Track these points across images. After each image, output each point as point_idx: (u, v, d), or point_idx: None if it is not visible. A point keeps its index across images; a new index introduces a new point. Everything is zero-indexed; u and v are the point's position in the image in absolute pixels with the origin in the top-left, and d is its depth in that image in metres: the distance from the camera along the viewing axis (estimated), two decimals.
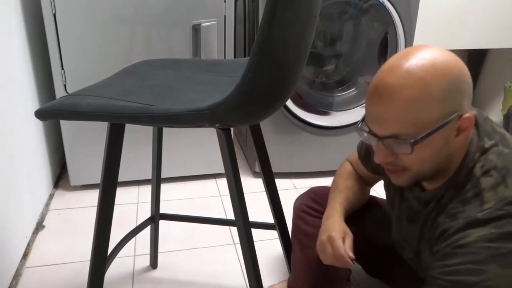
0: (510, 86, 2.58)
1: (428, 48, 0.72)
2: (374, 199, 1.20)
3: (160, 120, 0.71)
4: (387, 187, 1.01)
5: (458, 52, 2.87)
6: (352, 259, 0.90)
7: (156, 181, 1.28)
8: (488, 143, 0.76)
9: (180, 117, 0.70)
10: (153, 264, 1.43)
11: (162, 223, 1.67)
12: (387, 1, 1.80)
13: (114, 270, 1.42)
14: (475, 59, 2.94)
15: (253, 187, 1.97)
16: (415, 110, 0.69)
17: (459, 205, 0.74)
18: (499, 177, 0.72)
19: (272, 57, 0.66)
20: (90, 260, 0.90)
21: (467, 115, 0.71)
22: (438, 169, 0.78)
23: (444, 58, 0.70)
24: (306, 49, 0.78)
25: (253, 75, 0.66)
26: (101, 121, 0.75)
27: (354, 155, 1.14)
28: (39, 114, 0.79)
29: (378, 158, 0.76)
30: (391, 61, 0.72)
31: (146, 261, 1.47)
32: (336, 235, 0.93)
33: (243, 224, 0.83)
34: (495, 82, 2.86)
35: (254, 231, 1.40)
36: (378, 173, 1.06)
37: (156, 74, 1.00)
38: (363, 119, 0.79)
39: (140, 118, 0.72)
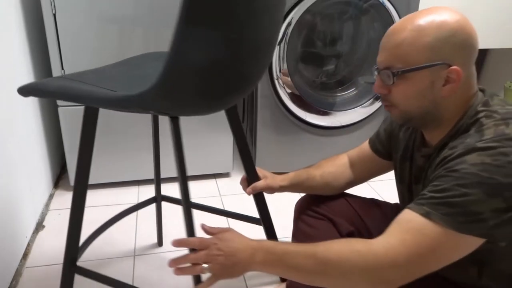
0: (510, 86, 2.58)
1: (444, 8, 0.81)
2: (374, 200, 1.20)
3: (97, 102, 0.82)
4: (398, 162, 1.03)
5: None
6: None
7: (156, 165, 1.39)
8: (494, 102, 0.83)
9: (112, 101, 0.78)
10: (159, 242, 1.54)
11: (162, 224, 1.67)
12: (387, 1, 1.80)
13: (114, 269, 1.42)
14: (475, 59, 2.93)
15: None
16: (406, 48, 0.80)
17: (461, 140, 0.80)
18: (500, 119, 0.77)
19: (192, 51, 0.69)
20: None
21: (454, 67, 0.78)
22: (426, 112, 0.84)
23: (447, 15, 0.79)
24: (251, 47, 0.80)
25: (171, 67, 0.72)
26: (61, 99, 0.87)
27: (357, 148, 1.17)
28: (20, 91, 0.89)
29: (375, 88, 0.87)
30: (413, 13, 0.83)
31: (146, 261, 1.46)
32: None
33: (185, 202, 0.92)
34: (495, 82, 2.86)
35: (249, 228, 1.40)
36: (385, 153, 1.08)
37: (146, 65, 1.08)
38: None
39: (84, 99, 0.83)
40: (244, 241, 0.86)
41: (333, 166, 1.16)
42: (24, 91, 0.89)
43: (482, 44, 2.58)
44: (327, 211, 1.12)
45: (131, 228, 1.64)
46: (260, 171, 1.19)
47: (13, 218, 1.38)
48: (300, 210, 1.17)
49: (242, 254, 0.83)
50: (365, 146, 1.15)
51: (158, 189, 1.45)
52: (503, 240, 0.75)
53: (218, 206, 1.80)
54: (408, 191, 0.99)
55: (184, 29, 0.66)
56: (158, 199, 1.45)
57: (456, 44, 0.79)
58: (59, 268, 1.43)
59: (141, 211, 1.75)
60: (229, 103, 0.87)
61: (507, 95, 2.59)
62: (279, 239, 1.20)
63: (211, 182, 2.00)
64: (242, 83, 0.83)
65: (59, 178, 1.99)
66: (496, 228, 0.72)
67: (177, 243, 0.88)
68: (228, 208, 1.77)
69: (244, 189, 1.18)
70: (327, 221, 1.10)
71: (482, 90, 0.87)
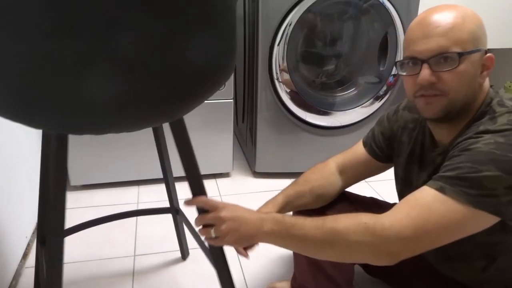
0: (510, 86, 2.58)
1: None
2: (374, 200, 1.20)
3: None
4: (401, 165, 1.03)
5: None
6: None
7: (167, 177, 1.31)
8: (499, 92, 0.86)
9: None
10: (183, 255, 1.48)
11: (159, 223, 1.67)
12: (387, 1, 1.80)
13: (114, 270, 1.42)
14: None
15: (253, 187, 1.97)
16: (459, 33, 0.79)
17: (475, 127, 0.82)
18: None
19: None
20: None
21: (489, 54, 0.82)
22: (468, 101, 0.84)
23: (469, 8, 0.82)
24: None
25: None
26: None
27: (344, 153, 1.15)
28: None
29: (423, 79, 0.82)
30: (428, 10, 0.83)
31: (146, 261, 1.47)
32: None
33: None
34: (495, 82, 2.86)
35: None
36: (384, 157, 1.08)
37: None
38: (400, 60, 0.88)
39: None
40: (251, 211, 0.87)
41: (321, 178, 1.12)
42: None
43: None
44: (328, 210, 1.12)
45: (131, 228, 1.64)
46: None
47: (13, 218, 1.38)
48: (300, 210, 1.17)
49: (250, 222, 0.84)
50: (360, 150, 1.12)
51: (171, 201, 1.37)
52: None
53: None
54: None
55: None
56: (173, 211, 1.37)
57: (485, 33, 0.83)
58: None
59: None
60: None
61: None
62: None
63: (211, 182, 2.00)
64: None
65: None
66: (508, 205, 0.73)
67: (189, 202, 0.89)
68: None
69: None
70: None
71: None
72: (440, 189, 0.75)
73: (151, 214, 1.45)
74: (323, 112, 1.95)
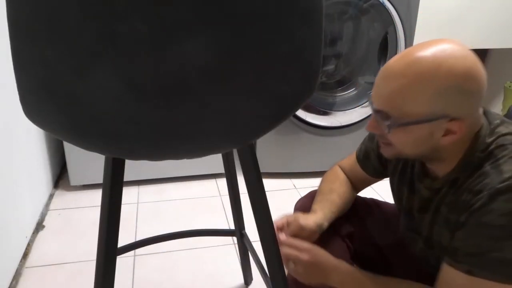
0: (510, 86, 2.58)
1: (450, 46, 0.72)
2: (374, 200, 1.20)
3: None
4: (394, 183, 1.01)
5: None
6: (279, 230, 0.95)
7: (236, 200, 1.24)
8: (495, 123, 0.78)
9: None
10: (246, 281, 1.39)
11: (159, 223, 1.67)
12: (387, 1, 1.80)
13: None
14: None
15: None
16: (404, 98, 0.72)
17: (480, 179, 0.75)
18: None
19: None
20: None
21: (457, 122, 0.72)
22: (425, 156, 0.81)
23: (454, 62, 0.70)
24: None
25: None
26: None
27: (348, 160, 1.14)
28: None
29: (368, 127, 0.82)
30: (411, 48, 0.75)
31: (146, 261, 1.47)
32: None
33: None
34: (495, 82, 2.86)
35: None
36: (378, 174, 1.06)
37: None
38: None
39: None
40: (328, 256, 0.89)
41: (342, 185, 1.10)
42: None
43: (482, 44, 2.58)
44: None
45: (131, 228, 1.64)
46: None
47: (13, 218, 1.38)
48: (300, 211, 1.17)
49: (324, 266, 0.87)
50: (355, 165, 1.10)
51: (237, 224, 1.28)
52: None
53: (218, 206, 1.80)
54: (408, 214, 0.96)
55: None
56: (238, 234, 1.29)
57: (462, 96, 0.71)
58: (59, 268, 1.43)
59: (141, 211, 1.75)
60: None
61: (507, 95, 2.59)
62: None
63: (211, 182, 2.00)
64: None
65: (59, 178, 2.00)
66: None
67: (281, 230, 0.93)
68: (228, 207, 1.77)
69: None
70: None
71: (483, 113, 0.81)
72: (468, 272, 0.72)
73: (213, 235, 1.43)
74: (323, 112, 1.95)
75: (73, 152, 1.80)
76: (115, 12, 0.47)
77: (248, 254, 1.32)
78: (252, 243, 1.25)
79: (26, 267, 1.42)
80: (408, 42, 1.90)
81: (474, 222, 0.73)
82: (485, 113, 0.81)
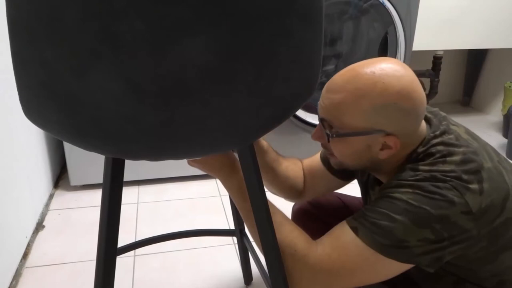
0: (510, 86, 2.58)
1: (391, 65, 0.76)
2: (360, 200, 1.20)
3: None
4: (361, 188, 1.04)
5: (458, 52, 2.88)
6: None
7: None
8: (435, 134, 0.81)
9: None
10: (246, 280, 1.38)
11: (159, 223, 1.67)
12: (387, 1, 1.80)
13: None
14: (475, 59, 2.94)
15: None
16: (341, 110, 0.77)
17: (397, 174, 0.79)
18: (439, 157, 0.76)
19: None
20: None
21: (393, 137, 0.76)
22: (365, 167, 0.85)
23: (391, 80, 0.74)
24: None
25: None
26: None
27: (309, 159, 1.16)
28: None
29: (312, 135, 0.86)
30: (356, 64, 0.80)
31: (146, 261, 1.47)
32: None
33: None
34: (495, 82, 2.86)
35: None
36: (342, 175, 1.05)
37: None
38: None
39: None
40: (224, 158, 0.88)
41: (296, 166, 1.13)
42: None
43: (482, 44, 2.59)
44: (323, 213, 1.12)
45: (131, 228, 1.64)
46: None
47: (13, 218, 1.38)
48: (298, 213, 1.17)
49: (222, 161, 0.87)
50: (318, 163, 1.10)
51: (237, 223, 1.28)
52: (429, 267, 0.74)
53: (218, 206, 1.80)
54: None
55: None
56: (237, 233, 1.29)
57: (396, 113, 0.75)
58: (59, 268, 1.43)
59: (141, 211, 1.75)
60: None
61: (507, 95, 2.59)
62: None
63: (211, 182, 2.00)
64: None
65: (59, 178, 2.00)
66: (422, 255, 0.72)
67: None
68: (228, 207, 1.77)
69: None
70: (323, 224, 1.10)
71: (428, 120, 0.84)
72: (355, 230, 0.75)
73: (213, 235, 1.42)
74: None
75: (73, 152, 1.80)
76: (114, 12, 0.47)
77: (248, 254, 1.31)
78: (252, 243, 1.25)
79: (26, 267, 1.42)
80: (408, 42, 1.90)
81: (381, 194, 0.78)
82: (430, 122, 0.84)
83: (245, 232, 1.28)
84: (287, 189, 1.09)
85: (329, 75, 2.03)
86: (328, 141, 0.81)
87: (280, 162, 1.08)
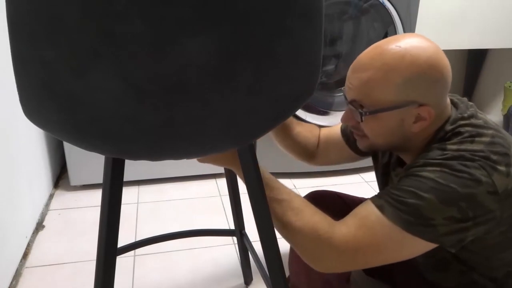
0: (510, 86, 2.58)
1: (414, 39, 0.78)
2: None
3: None
4: (377, 171, 1.04)
5: (458, 52, 2.87)
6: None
7: (236, 200, 1.25)
8: (463, 116, 0.81)
9: None
10: (246, 280, 1.37)
11: (159, 223, 1.67)
12: (387, 1, 1.80)
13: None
14: (475, 59, 2.93)
15: None
16: (371, 87, 0.77)
17: (424, 154, 0.80)
18: (468, 136, 0.77)
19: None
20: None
21: (426, 107, 0.77)
22: (395, 145, 0.84)
23: (418, 51, 0.76)
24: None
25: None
26: None
27: (325, 131, 1.16)
28: None
29: (342, 119, 0.87)
30: (379, 42, 0.81)
31: (146, 261, 1.47)
32: None
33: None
34: (495, 82, 2.86)
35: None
36: (357, 151, 1.06)
37: None
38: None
39: None
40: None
41: (310, 133, 1.15)
42: None
43: (482, 44, 2.58)
44: (325, 212, 1.12)
45: (131, 228, 1.64)
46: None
47: (13, 218, 1.38)
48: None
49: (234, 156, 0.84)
50: (337, 134, 1.11)
51: (237, 224, 1.28)
52: (452, 247, 0.75)
53: (218, 206, 1.80)
54: None
55: None
56: (238, 234, 1.29)
57: (427, 83, 0.76)
58: (59, 268, 1.43)
59: (141, 211, 1.75)
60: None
61: (507, 95, 2.59)
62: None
63: (211, 182, 2.00)
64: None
65: (59, 178, 2.00)
66: (446, 235, 0.72)
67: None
68: (228, 207, 1.77)
69: None
70: None
71: (455, 104, 0.85)
72: (380, 208, 0.75)
73: (213, 235, 1.43)
74: (323, 112, 1.95)
75: (73, 152, 1.80)
76: (114, 12, 0.47)
77: (248, 254, 1.31)
78: (252, 243, 1.25)
79: (26, 267, 1.42)
80: None
81: (407, 173, 0.78)
82: (457, 106, 0.85)
83: (245, 232, 1.29)
84: (296, 152, 1.14)
85: (329, 75, 2.03)
86: (361, 120, 0.80)
87: (292, 128, 1.12)
